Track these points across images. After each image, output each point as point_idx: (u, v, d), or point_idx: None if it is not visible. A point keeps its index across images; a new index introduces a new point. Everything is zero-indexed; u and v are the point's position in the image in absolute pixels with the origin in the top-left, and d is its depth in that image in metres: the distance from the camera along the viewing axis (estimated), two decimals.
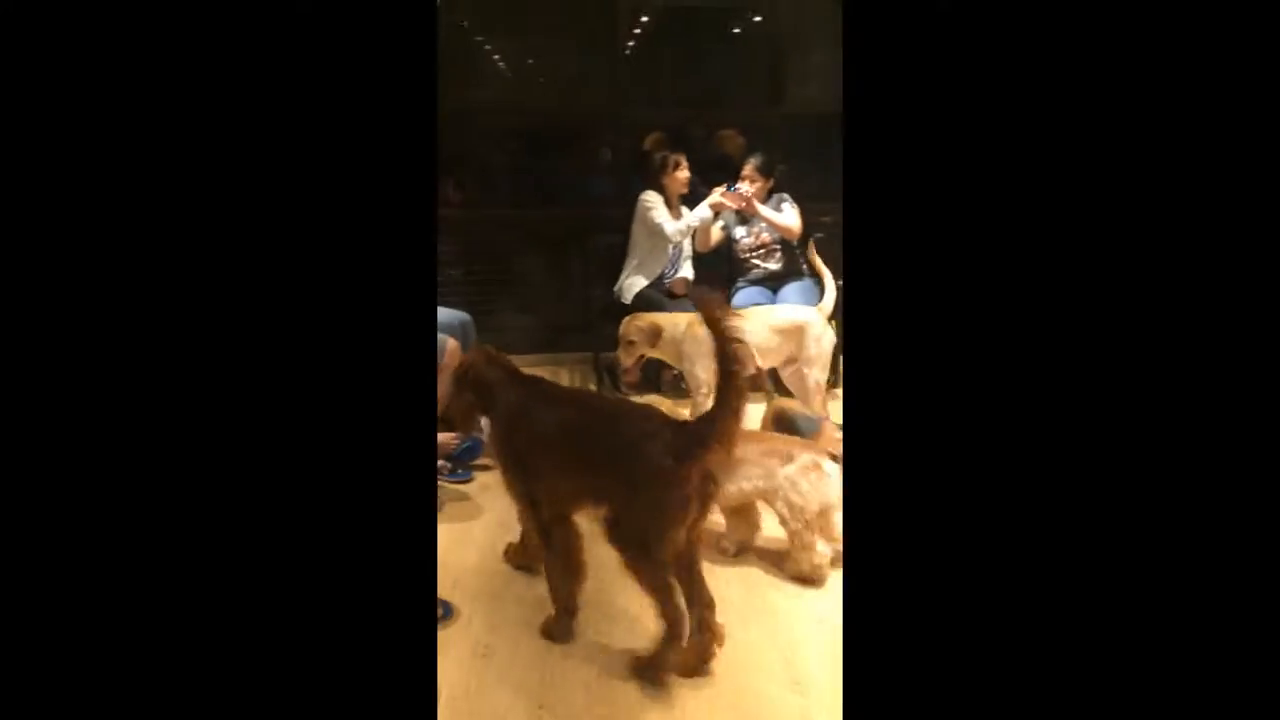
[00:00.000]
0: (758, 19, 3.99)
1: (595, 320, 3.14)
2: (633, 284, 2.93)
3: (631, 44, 3.84)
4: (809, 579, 1.72)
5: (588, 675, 1.48)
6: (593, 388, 3.14)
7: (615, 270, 3.03)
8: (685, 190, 2.95)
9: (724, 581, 1.72)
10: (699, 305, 1.42)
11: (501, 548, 1.89)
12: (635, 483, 1.41)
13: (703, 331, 2.36)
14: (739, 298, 3.00)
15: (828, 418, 2.19)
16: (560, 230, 3.61)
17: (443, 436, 2.18)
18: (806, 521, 1.70)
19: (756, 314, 2.54)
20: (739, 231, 3.06)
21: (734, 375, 1.33)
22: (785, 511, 1.72)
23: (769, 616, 1.65)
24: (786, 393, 2.52)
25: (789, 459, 1.73)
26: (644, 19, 3.87)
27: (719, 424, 1.36)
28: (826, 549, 1.73)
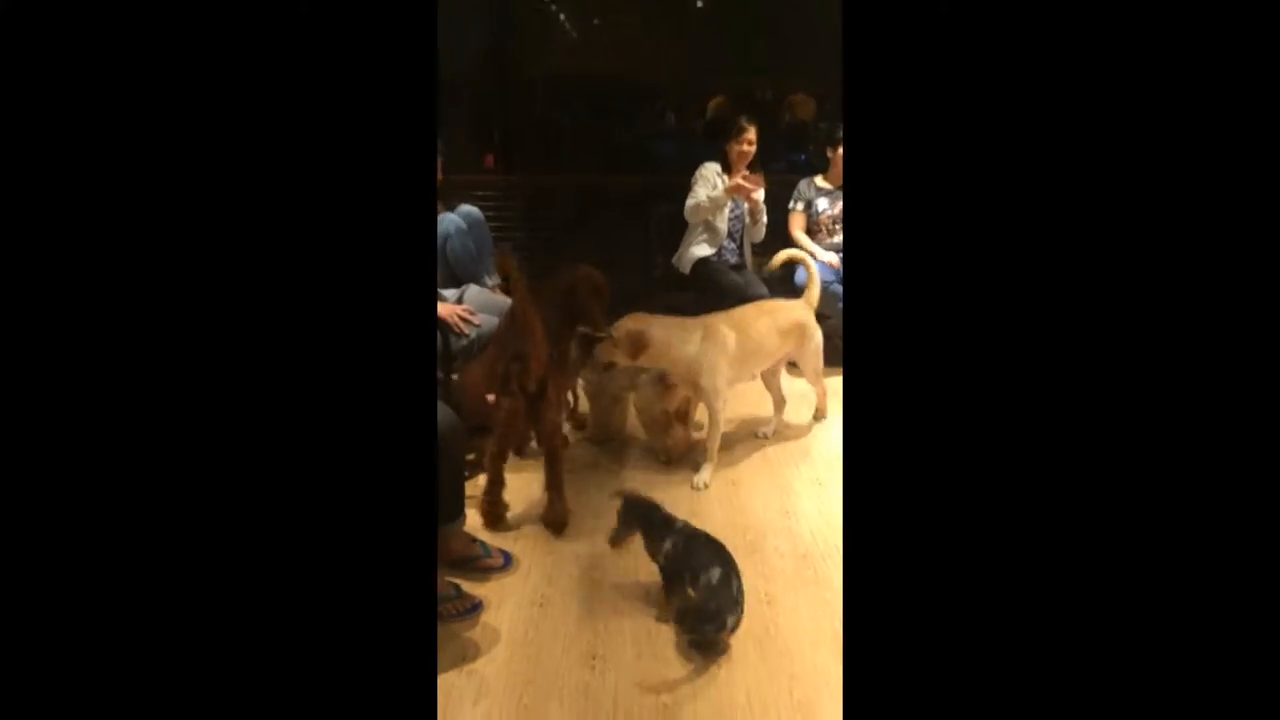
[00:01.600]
0: None
1: (654, 289, 3.15)
2: (692, 254, 2.92)
3: (700, 4, 3.76)
4: (668, 459, 2.30)
5: (638, 629, 1.56)
6: None
7: (677, 239, 3.03)
8: (748, 160, 2.87)
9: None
10: (501, 266, 1.89)
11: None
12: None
13: (726, 335, 2.16)
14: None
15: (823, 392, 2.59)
16: (623, 196, 3.62)
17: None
18: (654, 419, 2.28)
19: (749, 308, 2.36)
20: (822, 204, 3.04)
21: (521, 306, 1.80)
22: (638, 408, 2.35)
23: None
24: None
25: (645, 372, 2.29)
26: None
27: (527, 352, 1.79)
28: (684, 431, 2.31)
